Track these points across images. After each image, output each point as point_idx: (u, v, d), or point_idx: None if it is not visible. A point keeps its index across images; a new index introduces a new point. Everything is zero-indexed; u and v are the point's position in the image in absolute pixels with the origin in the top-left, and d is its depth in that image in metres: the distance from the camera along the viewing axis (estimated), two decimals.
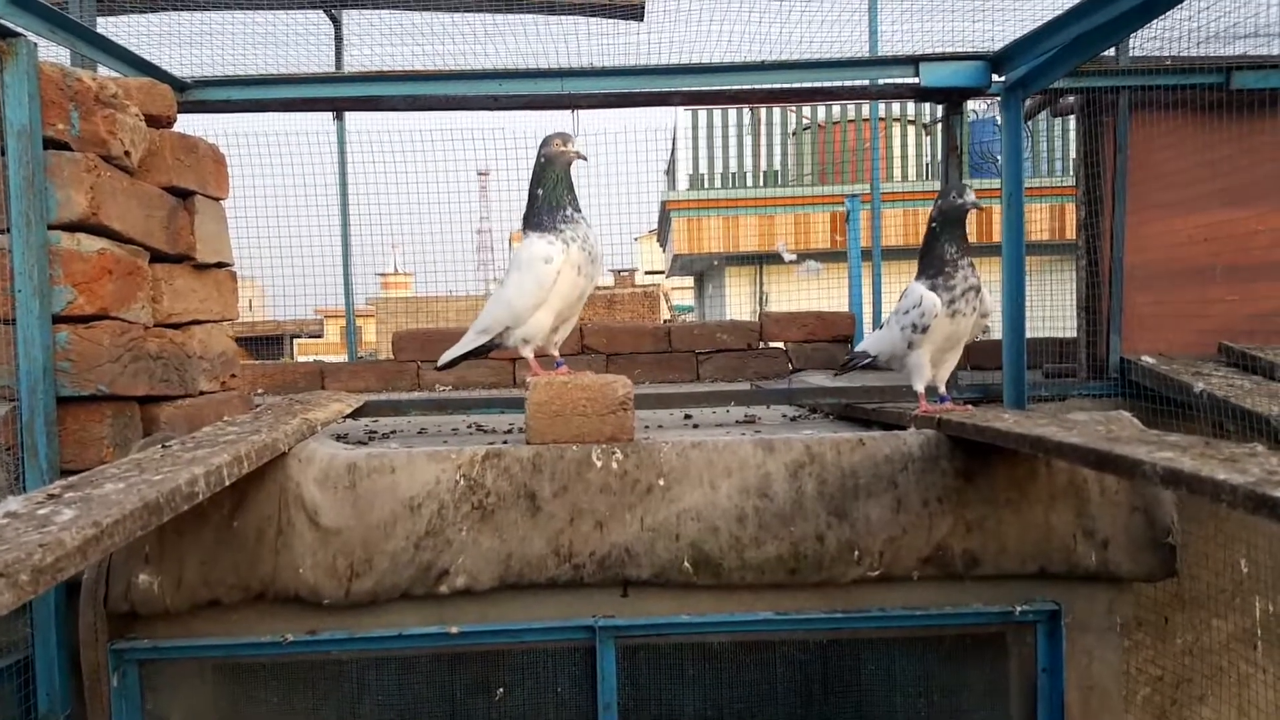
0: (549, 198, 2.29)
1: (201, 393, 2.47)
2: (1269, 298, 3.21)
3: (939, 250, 2.32)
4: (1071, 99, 3.39)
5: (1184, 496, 1.62)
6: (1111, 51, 3.19)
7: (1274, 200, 3.21)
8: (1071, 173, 3.58)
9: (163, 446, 1.86)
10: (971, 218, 2.39)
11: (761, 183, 9.42)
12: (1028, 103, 3.71)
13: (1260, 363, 2.88)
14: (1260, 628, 2.86)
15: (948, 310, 2.28)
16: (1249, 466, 1.39)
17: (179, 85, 2.75)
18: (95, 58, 2.44)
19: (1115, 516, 2.17)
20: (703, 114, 9.38)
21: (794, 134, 9.42)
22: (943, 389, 2.44)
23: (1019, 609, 2.16)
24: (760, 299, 8.99)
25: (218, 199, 2.58)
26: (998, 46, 2.95)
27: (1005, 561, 2.16)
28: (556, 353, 2.43)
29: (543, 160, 2.31)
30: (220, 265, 2.61)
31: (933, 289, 2.29)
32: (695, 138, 9.44)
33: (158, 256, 2.31)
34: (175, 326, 2.36)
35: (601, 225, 5.72)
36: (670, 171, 9.96)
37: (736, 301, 9.00)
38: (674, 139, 9.54)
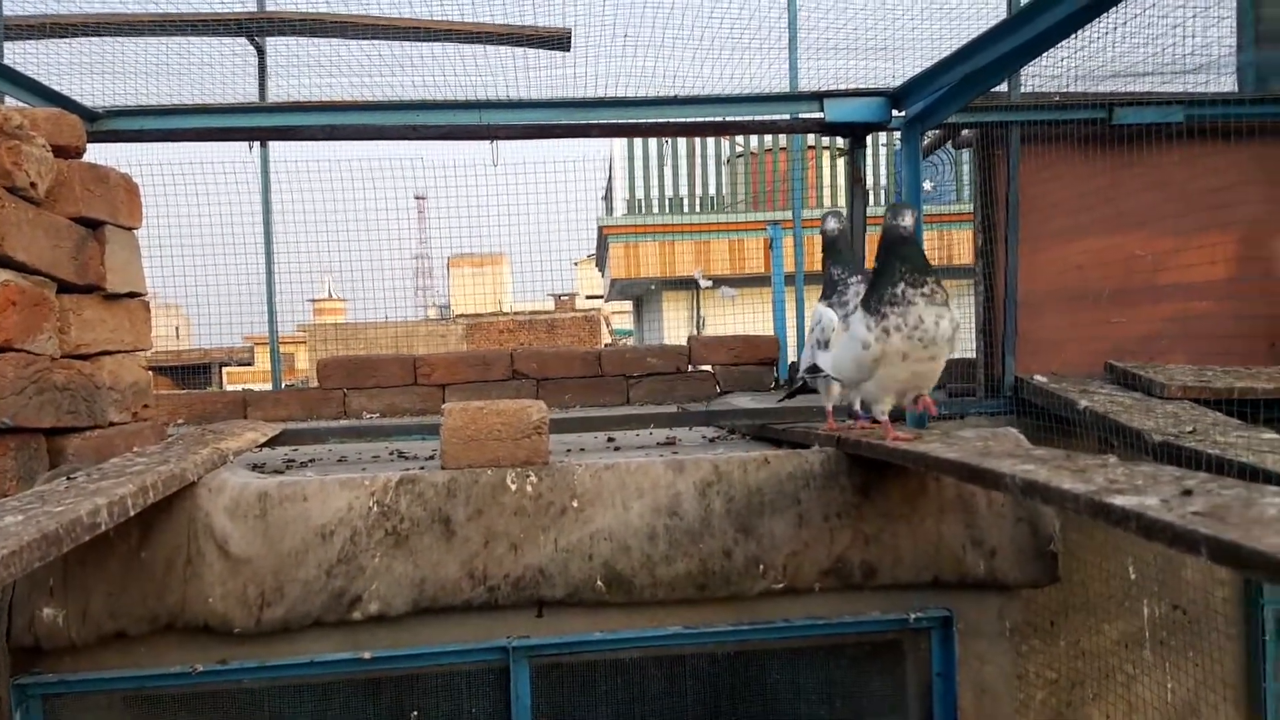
0: (883, 277, 2.06)
1: (112, 424, 2.45)
2: (1152, 319, 3.43)
3: (829, 274, 2.50)
4: (968, 132, 3.58)
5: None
6: (1004, 87, 3.39)
7: (1154, 226, 3.43)
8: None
9: (68, 478, 1.86)
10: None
11: (698, 208, 9.60)
12: (931, 136, 3.91)
13: (1140, 380, 3.07)
14: (1148, 630, 3.03)
15: (843, 325, 2.42)
16: (1095, 477, 1.51)
17: (90, 115, 2.75)
18: (1, 89, 2.44)
19: (1001, 527, 2.30)
20: (638, 141, 9.53)
21: (728, 161, 9.63)
22: (857, 408, 2.53)
23: (913, 616, 2.28)
24: (697, 323, 9.13)
25: (130, 228, 2.57)
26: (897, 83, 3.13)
27: (900, 572, 2.28)
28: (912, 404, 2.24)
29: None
30: (133, 295, 2.60)
31: (829, 307, 2.44)
32: (631, 164, 9.59)
33: (66, 287, 2.30)
34: (84, 358, 2.35)
35: (541, 250, 5.83)
36: (607, 197, 10.08)
37: (673, 325, 9.12)
38: (610, 165, 9.66)
